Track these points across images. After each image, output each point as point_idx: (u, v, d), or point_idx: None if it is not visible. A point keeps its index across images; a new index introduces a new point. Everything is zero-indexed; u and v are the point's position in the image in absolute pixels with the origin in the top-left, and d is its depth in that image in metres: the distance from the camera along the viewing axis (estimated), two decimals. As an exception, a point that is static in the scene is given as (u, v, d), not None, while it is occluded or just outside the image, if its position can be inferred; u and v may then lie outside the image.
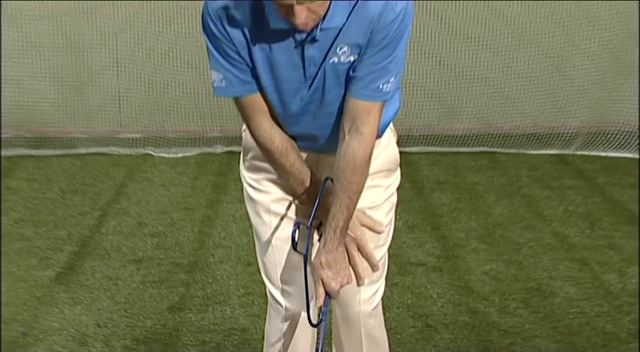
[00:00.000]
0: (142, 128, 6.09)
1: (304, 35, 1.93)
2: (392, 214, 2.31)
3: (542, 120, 6.07)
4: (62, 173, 5.46)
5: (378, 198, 2.24)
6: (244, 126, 2.18)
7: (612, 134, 5.81)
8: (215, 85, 2.06)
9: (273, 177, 2.20)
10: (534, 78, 6.03)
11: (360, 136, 2.03)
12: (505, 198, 4.89)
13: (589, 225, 4.43)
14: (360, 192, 2.09)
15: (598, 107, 5.96)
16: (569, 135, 5.90)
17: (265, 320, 2.41)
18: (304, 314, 2.21)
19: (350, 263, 2.15)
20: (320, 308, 2.13)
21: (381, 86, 2.01)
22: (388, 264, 2.37)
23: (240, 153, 2.34)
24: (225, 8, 1.95)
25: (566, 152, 5.81)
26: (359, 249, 2.17)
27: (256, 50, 1.98)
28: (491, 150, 5.85)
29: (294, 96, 2.04)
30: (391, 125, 2.26)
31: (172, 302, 3.55)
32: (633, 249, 4.07)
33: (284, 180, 2.17)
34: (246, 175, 2.28)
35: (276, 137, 2.10)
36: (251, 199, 2.27)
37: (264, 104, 2.07)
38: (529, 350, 3.16)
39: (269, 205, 2.22)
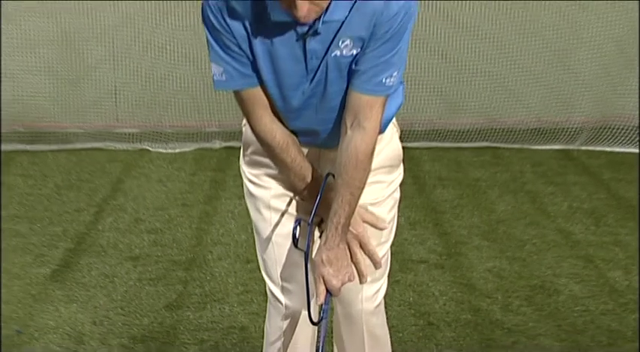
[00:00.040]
0: (139, 123, 6.08)
1: (306, 28, 1.93)
2: (395, 211, 2.30)
3: (546, 115, 6.07)
4: (57, 168, 5.46)
5: (381, 194, 2.24)
6: (244, 121, 2.17)
7: (618, 129, 5.81)
8: (215, 78, 2.06)
9: (274, 172, 2.20)
10: (538, 72, 6.02)
11: (363, 131, 2.03)
12: (508, 194, 4.89)
13: (594, 222, 4.43)
14: (362, 188, 2.08)
15: (603, 101, 5.96)
16: (573, 130, 5.89)
17: (265, 318, 2.41)
18: (305, 312, 2.21)
19: (352, 260, 2.15)
20: (321, 306, 2.13)
21: (384, 80, 2.00)
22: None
23: (239, 148, 2.33)
24: (226, 0, 1.95)
25: (570, 147, 5.81)
26: (361, 246, 2.17)
27: (257, 43, 1.97)
28: (495, 145, 5.85)
29: (295, 90, 2.04)
30: (394, 120, 2.25)
31: (170, 300, 3.55)
32: (639, 246, 4.08)
33: (285, 175, 2.17)
34: (246, 170, 2.28)
35: (277, 132, 2.10)
36: (251, 195, 2.27)
37: (264, 98, 2.07)
38: (533, 349, 3.16)
39: (269, 201, 2.22)
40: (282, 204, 2.22)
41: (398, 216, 2.34)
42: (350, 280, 2.13)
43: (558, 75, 6.01)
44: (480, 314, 3.41)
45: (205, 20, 2.00)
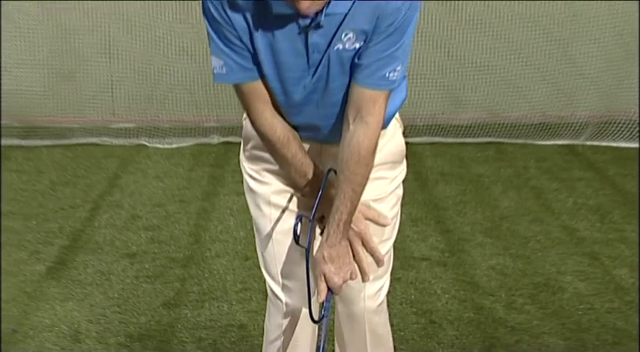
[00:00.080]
0: (136, 117, 6.08)
1: (308, 21, 1.92)
2: (397, 207, 2.30)
3: (550, 110, 6.07)
4: (52, 164, 5.45)
5: (383, 190, 2.24)
6: (245, 115, 2.17)
7: (624, 123, 5.81)
8: (215, 71, 2.05)
9: (274, 167, 2.20)
10: (542, 65, 6.02)
11: (365, 126, 2.03)
12: (512, 190, 4.89)
13: (599, 218, 4.43)
14: (365, 184, 2.08)
15: (609, 96, 5.96)
16: (578, 124, 5.89)
17: (264, 316, 2.41)
18: (305, 310, 2.21)
19: (354, 258, 2.15)
20: (322, 304, 2.13)
21: (387, 74, 2.00)
22: (392, 258, 2.37)
23: (237, 143, 2.33)
24: None
25: (575, 142, 5.81)
26: (363, 244, 2.16)
27: (258, 36, 1.97)
28: (498, 140, 5.85)
29: (296, 85, 2.04)
30: (397, 115, 2.25)
31: (167, 298, 3.55)
32: (645, 243, 4.08)
33: (285, 171, 2.17)
34: (246, 166, 2.27)
35: (277, 127, 2.09)
36: (251, 190, 2.27)
37: (265, 92, 2.07)
38: (537, 348, 3.17)
39: (269, 197, 2.22)
40: (282, 201, 2.22)
41: (400, 213, 2.34)
42: (352, 278, 2.13)
43: (563, 69, 6.00)
44: (482, 313, 3.41)
45: (206, 12, 1.99)
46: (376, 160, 2.10)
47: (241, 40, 1.98)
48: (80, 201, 4.73)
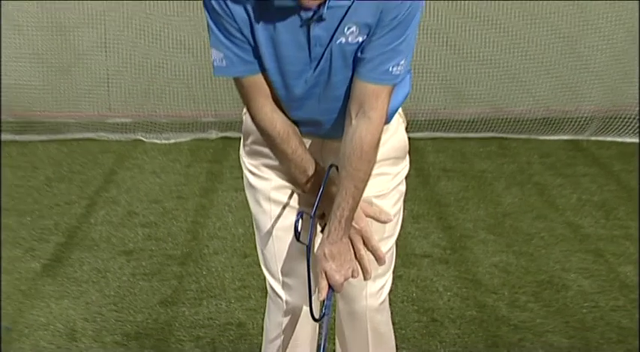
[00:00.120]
0: (133, 112, 6.08)
1: (310, 13, 1.92)
2: (400, 204, 2.30)
3: (554, 104, 6.06)
4: (48, 159, 5.45)
5: (386, 186, 2.24)
6: (245, 110, 2.17)
7: (629, 118, 5.81)
8: (215, 64, 2.05)
9: (275, 163, 2.19)
10: (546, 59, 6.01)
11: (368, 121, 2.02)
12: (515, 186, 4.89)
13: (604, 215, 4.43)
14: (367, 180, 2.08)
15: (614, 90, 5.95)
16: (583, 119, 5.89)
17: (263, 314, 2.41)
18: (306, 308, 2.21)
19: (355, 256, 2.14)
20: (322, 302, 2.12)
21: (390, 69, 1.99)
22: (393, 255, 2.37)
23: (236, 138, 2.34)
24: None
25: (580, 137, 5.81)
26: (364, 242, 2.16)
27: (259, 28, 1.96)
28: (501, 135, 5.85)
29: (298, 79, 2.03)
30: (400, 110, 2.25)
31: (164, 296, 3.55)
32: (650, 240, 4.08)
33: (285, 167, 2.17)
34: (246, 161, 2.27)
35: (277, 121, 2.09)
36: (251, 186, 2.26)
37: (266, 86, 2.06)
38: (540, 346, 3.17)
39: (269, 193, 2.22)
40: (283, 197, 2.22)
41: (403, 210, 2.34)
42: (353, 276, 2.13)
43: (567, 62, 6.00)
44: (485, 311, 3.41)
45: (206, 3, 1.99)
46: (379, 156, 2.10)
47: (242, 33, 1.98)
48: (76, 198, 4.73)
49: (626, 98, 5.94)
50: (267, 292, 2.34)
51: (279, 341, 2.32)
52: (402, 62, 2.00)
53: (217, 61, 2.04)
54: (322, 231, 2.15)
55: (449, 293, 3.55)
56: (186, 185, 4.94)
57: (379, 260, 2.19)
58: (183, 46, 5.87)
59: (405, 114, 2.32)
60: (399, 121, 2.26)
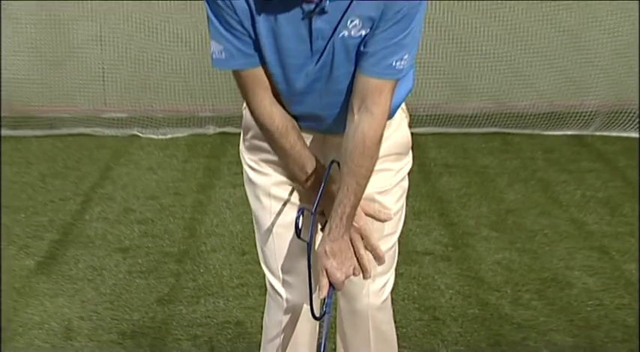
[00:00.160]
0: (129, 107, 6.07)
1: (312, 6, 1.91)
2: (403, 200, 2.30)
3: (558, 99, 6.06)
4: (42, 155, 5.45)
5: (388, 182, 2.24)
6: (245, 104, 2.17)
7: (634, 113, 5.81)
8: (214, 56, 2.05)
9: (275, 158, 2.18)
10: (550, 53, 6.01)
11: (371, 117, 2.02)
12: (518, 182, 4.90)
13: (609, 211, 4.43)
14: (369, 176, 2.08)
15: (619, 84, 5.95)
16: (587, 114, 5.89)
17: (262, 312, 2.41)
18: (306, 306, 2.21)
19: (354, 255, 2.14)
20: (323, 301, 2.12)
21: (394, 63, 1.99)
22: (394, 253, 2.37)
23: (234, 134, 2.34)
24: None
25: (584, 133, 5.81)
26: (363, 240, 2.16)
27: (260, 20, 1.96)
28: (504, 130, 5.84)
29: (298, 72, 2.03)
30: (403, 105, 2.25)
31: (161, 294, 3.55)
32: (656, 237, 4.08)
33: (283, 162, 2.17)
34: (246, 156, 2.27)
35: (276, 116, 2.09)
36: (251, 182, 2.26)
37: (266, 80, 2.06)
38: (544, 345, 3.17)
39: (270, 189, 2.21)
40: (283, 193, 2.21)
41: (406, 206, 2.34)
42: (355, 274, 2.13)
43: (571, 56, 6.00)
44: (488, 309, 3.41)
45: None
46: (381, 151, 2.10)
47: (242, 25, 1.97)
48: (71, 194, 4.73)
49: (631, 92, 5.93)
50: (266, 290, 2.34)
51: (278, 340, 2.32)
52: (406, 56, 2.00)
53: (216, 53, 2.03)
54: (322, 230, 2.15)
55: (451, 291, 3.55)
56: (183, 181, 4.93)
57: (378, 259, 2.19)
58: (180, 40, 5.87)
59: (407, 109, 2.32)
60: (401, 116, 2.26)
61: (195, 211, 4.47)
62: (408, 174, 2.31)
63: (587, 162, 5.23)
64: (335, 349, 2.49)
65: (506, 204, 4.54)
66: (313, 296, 2.11)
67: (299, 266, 2.21)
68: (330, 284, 2.10)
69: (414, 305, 3.44)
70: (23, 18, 5.86)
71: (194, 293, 3.56)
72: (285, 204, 2.21)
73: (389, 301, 2.35)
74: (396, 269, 2.36)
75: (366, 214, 2.17)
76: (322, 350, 2.12)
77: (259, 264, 2.33)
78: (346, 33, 1.96)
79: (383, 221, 2.21)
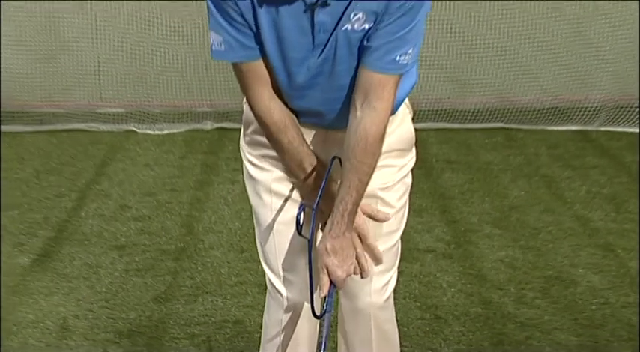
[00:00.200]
0: (125, 102, 6.07)
1: None
2: (406, 197, 2.30)
3: (562, 93, 6.06)
4: (36, 151, 5.45)
5: (391, 178, 2.24)
6: (245, 98, 2.17)
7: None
8: (213, 48, 2.04)
9: (276, 153, 2.19)
10: (554, 46, 6.01)
11: (374, 112, 2.02)
12: (522, 178, 4.90)
13: (614, 208, 4.43)
14: (372, 173, 2.08)
15: (625, 78, 5.95)
16: (592, 109, 5.89)
17: (260, 311, 2.41)
18: (307, 305, 2.21)
19: None
20: (324, 299, 2.12)
21: (398, 58, 1.99)
22: (396, 250, 2.37)
23: (232, 129, 2.34)
24: None
25: (589, 128, 5.81)
26: (361, 240, 2.16)
27: (262, 12, 1.95)
28: (507, 126, 5.85)
29: (300, 66, 2.03)
30: (407, 100, 2.25)
31: (158, 292, 3.55)
32: (662, 234, 4.08)
33: (281, 158, 2.17)
34: (247, 151, 2.27)
35: (275, 110, 2.09)
36: (251, 178, 2.26)
37: (266, 73, 2.06)
38: (547, 344, 3.17)
39: (270, 185, 2.21)
40: (284, 189, 2.21)
41: (409, 203, 2.34)
42: (356, 273, 2.13)
43: (576, 50, 5.99)
44: (491, 307, 3.42)
45: None
46: (384, 147, 2.09)
47: (243, 17, 1.97)
48: (66, 190, 4.73)
49: (636, 87, 5.93)
50: (265, 288, 2.34)
51: (278, 339, 2.32)
52: (410, 51, 1.99)
53: (216, 44, 2.03)
54: (322, 229, 2.15)
55: (453, 290, 3.56)
56: (180, 177, 4.94)
57: (376, 260, 2.19)
58: (177, 33, 5.86)
59: (410, 104, 2.32)
60: (405, 112, 2.26)
61: (192, 208, 4.47)
62: (411, 170, 2.32)
63: (591, 158, 5.23)
64: (335, 348, 2.49)
65: (510, 201, 4.54)
66: (314, 294, 2.11)
67: (300, 264, 2.21)
68: (331, 282, 2.10)
69: (416, 303, 3.44)
70: (15, 12, 5.84)
71: (192, 291, 3.56)
72: (286, 201, 2.21)
73: (391, 300, 2.35)
74: (398, 267, 2.37)
75: (365, 214, 2.17)
76: (323, 349, 2.13)
77: (258, 261, 2.33)
78: (349, 26, 1.95)
79: (381, 221, 2.21)
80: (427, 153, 5.28)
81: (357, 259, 2.15)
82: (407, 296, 3.49)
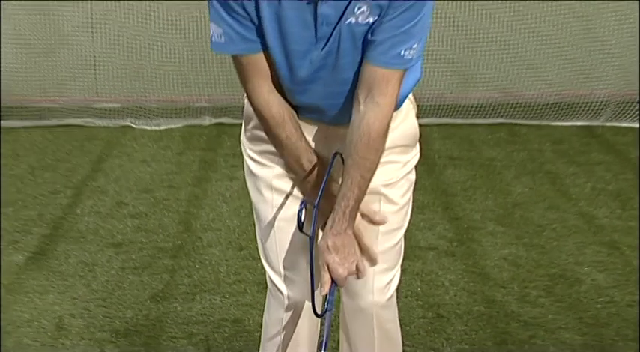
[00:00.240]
0: (121, 97, 6.07)
1: None
2: (410, 194, 2.30)
3: (567, 88, 6.06)
4: (31, 147, 5.45)
5: (395, 175, 2.23)
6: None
7: (644, 103, 5.81)
8: (213, 39, 2.04)
9: None
10: (559, 40, 6.00)
11: (377, 107, 2.02)
12: (526, 175, 4.90)
13: (619, 205, 4.43)
14: (374, 169, 2.08)
15: (631, 73, 5.95)
16: (597, 104, 5.89)
17: (260, 310, 2.42)
18: (308, 303, 2.21)
19: None
20: (325, 297, 2.12)
21: (402, 53, 1.98)
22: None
23: (231, 124, 2.33)
24: None
25: (594, 123, 5.81)
26: (357, 239, 2.16)
27: (264, 5, 1.95)
28: (511, 121, 5.84)
29: (302, 59, 2.02)
30: (411, 96, 2.24)
31: (155, 291, 3.55)
32: (668, 232, 4.08)
33: (279, 153, 2.16)
34: (247, 147, 2.27)
35: (274, 104, 2.09)
36: (252, 174, 2.26)
37: (266, 67, 2.06)
38: (552, 343, 3.17)
39: (271, 181, 2.21)
40: (285, 185, 2.21)
41: (413, 200, 2.34)
42: (358, 271, 2.13)
43: (581, 44, 5.99)
44: (494, 306, 3.42)
45: None
46: (388, 143, 2.09)
47: (245, 8, 1.97)
48: (61, 187, 4.73)
49: (641, 82, 5.94)
50: (264, 286, 2.34)
51: (278, 338, 2.32)
52: (415, 46, 1.99)
53: (215, 36, 2.03)
54: (322, 228, 2.14)
55: (455, 288, 3.56)
56: (178, 174, 4.93)
57: (371, 261, 2.19)
58: (174, 27, 5.86)
59: (414, 100, 2.32)
60: (409, 107, 2.25)
61: (190, 205, 4.47)
62: (416, 167, 2.32)
63: (597, 154, 5.23)
64: (336, 347, 2.49)
65: (513, 198, 4.54)
66: (315, 292, 2.11)
67: (300, 261, 2.21)
68: (333, 280, 2.10)
69: (418, 302, 3.44)
70: (10, 5, 5.84)
71: (189, 289, 3.56)
72: (287, 197, 2.21)
73: (394, 298, 2.34)
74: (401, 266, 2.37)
75: (361, 213, 2.16)
76: (324, 348, 2.13)
77: (257, 259, 2.33)
78: (353, 20, 1.95)
79: (377, 224, 2.20)
80: (429, 149, 5.28)
81: None
82: (409, 294, 3.49)
